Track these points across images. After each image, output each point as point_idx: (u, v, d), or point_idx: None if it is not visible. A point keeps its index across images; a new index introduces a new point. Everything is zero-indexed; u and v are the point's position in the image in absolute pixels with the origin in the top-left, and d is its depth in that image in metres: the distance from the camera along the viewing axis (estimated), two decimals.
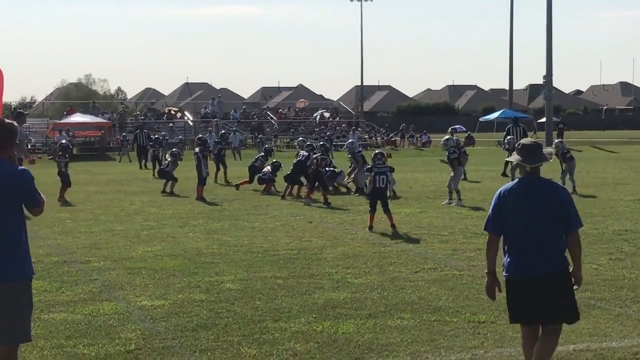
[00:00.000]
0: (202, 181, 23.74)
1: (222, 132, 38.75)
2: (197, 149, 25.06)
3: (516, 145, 7.21)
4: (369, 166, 18.18)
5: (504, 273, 6.87)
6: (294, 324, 9.23)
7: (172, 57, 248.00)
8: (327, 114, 70.99)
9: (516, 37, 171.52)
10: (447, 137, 23.42)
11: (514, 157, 7.03)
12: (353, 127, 61.89)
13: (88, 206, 21.80)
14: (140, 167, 41.79)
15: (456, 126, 65.47)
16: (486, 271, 6.99)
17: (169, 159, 26.79)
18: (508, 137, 31.23)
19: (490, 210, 6.97)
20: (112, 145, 55.91)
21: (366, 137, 65.10)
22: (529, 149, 6.96)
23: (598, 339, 8.51)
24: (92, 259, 13.49)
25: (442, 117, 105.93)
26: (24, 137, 24.08)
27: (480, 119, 78.97)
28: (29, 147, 55.16)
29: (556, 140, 25.96)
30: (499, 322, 9.07)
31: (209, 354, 8.12)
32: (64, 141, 26.47)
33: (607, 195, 22.64)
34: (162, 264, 12.99)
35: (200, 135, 29.87)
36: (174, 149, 27.94)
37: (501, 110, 76.62)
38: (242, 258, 13.45)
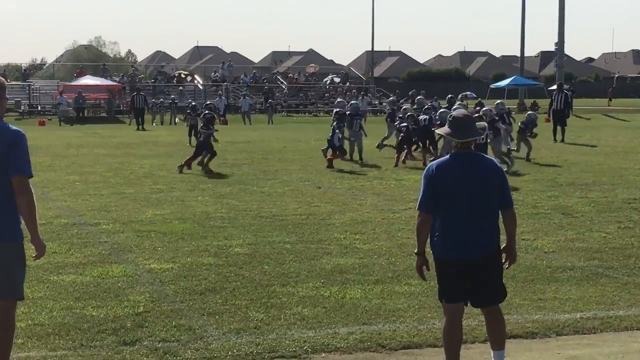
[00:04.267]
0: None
1: (192, 103, 33.00)
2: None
3: (448, 117, 6.74)
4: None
5: (434, 252, 6.41)
6: (302, 288, 9.27)
7: (182, 20, 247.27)
8: (337, 79, 70.82)
9: (528, 3, 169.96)
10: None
11: (443, 130, 6.57)
12: (362, 93, 61.66)
13: (97, 169, 21.84)
14: (137, 129, 42.26)
15: (467, 93, 65.21)
16: (416, 252, 6.47)
17: (201, 127, 22.81)
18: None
19: (422, 189, 6.40)
20: (122, 108, 55.81)
21: (376, 102, 64.88)
22: (458, 122, 6.43)
23: (605, 307, 8.51)
24: (101, 222, 13.54)
25: (453, 83, 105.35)
26: None
27: (491, 86, 78.58)
28: (39, 109, 55.40)
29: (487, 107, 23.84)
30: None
31: (216, 317, 8.16)
32: (207, 113, 22.91)
33: (617, 164, 22.56)
34: (171, 227, 13.03)
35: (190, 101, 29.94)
36: (206, 113, 23.28)
37: (512, 77, 76.28)
38: (250, 222, 13.48)
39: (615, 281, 9.62)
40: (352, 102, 29.01)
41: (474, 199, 6.28)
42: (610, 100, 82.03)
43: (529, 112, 27.26)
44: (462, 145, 6.42)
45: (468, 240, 6.27)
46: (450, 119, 6.55)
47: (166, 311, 8.37)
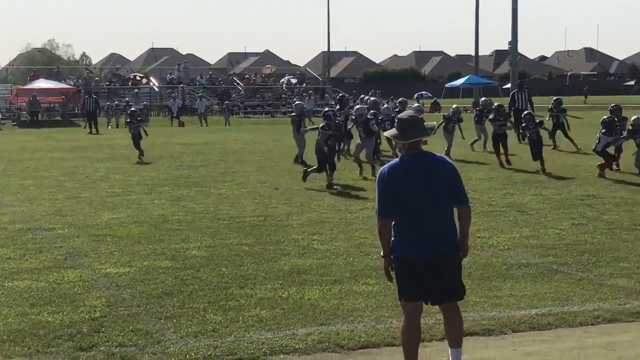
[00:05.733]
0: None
1: (132, 109, 30.05)
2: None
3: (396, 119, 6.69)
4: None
5: (393, 253, 6.41)
6: (260, 290, 9.26)
7: (137, 22, 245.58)
8: (294, 80, 70.73)
9: (482, 3, 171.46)
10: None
11: (389, 133, 6.57)
12: (310, 92, 61.72)
13: (52, 173, 21.62)
14: (90, 132, 42.12)
15: (422, 92, 65.70)
16: (382, 255, 6.50)
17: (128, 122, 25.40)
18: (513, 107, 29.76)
19: (377, 195, 6.40)
20: (76, 112, 55.28)
21: (332, 103, 64.94)
22: (403, 123, 6.42)
23: (560, 303, 8.62)
24: (56, 226, 13.41)
25: (409, 83, 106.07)
26: None
27: (446, 85, 79.18)
28: None
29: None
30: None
31: (174, 321, 8.13)
32: (132, 111, 24.96)
33: (570, 161, 22.85)
34: (128, 231, 12.95)
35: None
36: (131, 110, 25.18)
37: (467, 77, 76.86)
38: (208, 225, 13.43)
39: (570, 277, 9.74)
40: (297, 102, 28.71)
41: (429, 198, 6.30)
42: (587, 97, 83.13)
43: (483, 99, 27.67)
44: (410, 146, 6.42)
45: (425, 239, 6.30)
46: (397, 120, 6.55)
47: (123, 315, 8.31)
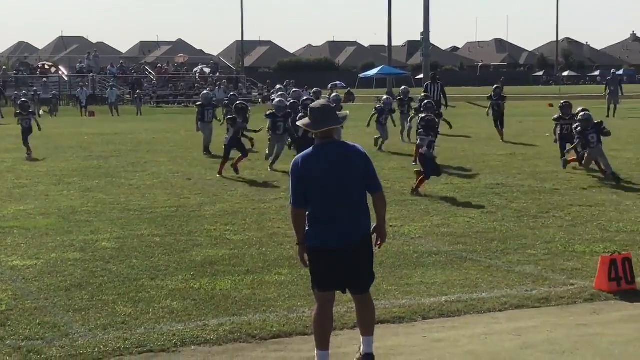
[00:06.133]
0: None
1: (22, 100, 28.68)
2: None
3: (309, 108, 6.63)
4: None
5: (306, 242, 6.41)
6: (171, 281, 9.17)
7: (46, 10, 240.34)
8: (207, 70, 70.23)
9: None
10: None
11: (302, 122, 6.57)
12: (223, 82, 61.36)
13: None
14: None
15: (337, 82, 65.97)
16: (297, 243, 6.50)
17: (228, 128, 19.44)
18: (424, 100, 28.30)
19: (291, 184, 6.41)
20: None
21: (247, 92, 64.73)
22: (315, 113, 6.43)
23: (469, 290, 8.76)
24: None
25: (323, 73, 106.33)
26: None
27: (360, 76, 79.67)
28: None
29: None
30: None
31: (83, 313, 7.98)
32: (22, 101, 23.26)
33: (480, 150, 23.21)
34: (35, 222, 12.67)
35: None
36: (230, 116, 20.00)
37: (380, 67, 77.48)
38: (118, 216, 13.24)
39: (479, 264, 9.91)
40: (204, 92, 28.48)
41: (342, 187, 6.31)
42: (503, 88, 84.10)
43: (386, 97, 27.71)
44: (322, 135, 6.42)
45: (339, 229, 6.31)
46: (309, 109, 6.54)
47: (30, 309, 8.13)
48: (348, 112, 7.68)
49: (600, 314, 7.99)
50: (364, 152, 6.54)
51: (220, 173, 18.38)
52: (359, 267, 6.44)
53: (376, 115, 24.27)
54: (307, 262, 6.53)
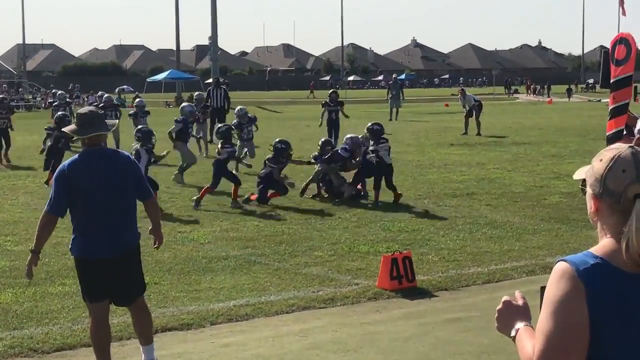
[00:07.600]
0: None
1: None
2: None
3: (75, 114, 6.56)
4: None
5: (73, 253, 6.26)
6: None
7: None
8: None
9: None
10: None
11: (68, 128, 6.44)
12: (4, 86, 58.94)
13: None
14: None
15: (124, 87, 64.67)
16: (32, 249, 6.22)
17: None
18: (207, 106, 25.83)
19: (54, 190, 6.16)
20: None
21: (30, 97, 62.40)
22: (82, 118, 6.29)
23: (257, 294, 8.83)
24: None
25: (110, 77, 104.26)
26: None
27: (148, 80, 78.62)
28: None
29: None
30: (163, 283, 9.17)
31: None
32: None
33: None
34: None
35: None
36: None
37: (169, 71, 76.79)
38: None
39: (267, 267, 10.01)
40: None
41: (110, 196, 6.15)
42: (312, 92, 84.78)
43: (197, 93, 27.14)
44: (90, 141, 6.25)
45: (107, 238, 6.15)
46: (76, 115, 6.42)
47: None
48: (117, 120, 7.57)
49: (383, 312, 8.28)
50: (133, 160, 6.50)
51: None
52: (128, 277, 6.31)
53: (237, 132, 19.81)
54: (32, 274, 6.26)
